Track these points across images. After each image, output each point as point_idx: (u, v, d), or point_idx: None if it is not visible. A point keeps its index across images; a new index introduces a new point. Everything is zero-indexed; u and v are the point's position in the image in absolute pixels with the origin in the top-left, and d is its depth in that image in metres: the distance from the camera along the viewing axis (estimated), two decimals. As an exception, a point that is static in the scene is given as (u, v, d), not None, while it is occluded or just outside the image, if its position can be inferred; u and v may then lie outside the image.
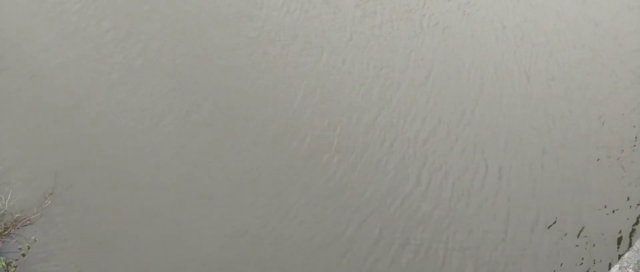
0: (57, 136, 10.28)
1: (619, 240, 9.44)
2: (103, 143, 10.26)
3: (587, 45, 12.80)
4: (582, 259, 9.22)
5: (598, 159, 10.63)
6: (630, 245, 9.19)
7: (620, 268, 7.90)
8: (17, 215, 9.07)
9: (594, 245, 9.40)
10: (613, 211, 9.90)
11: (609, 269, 8.87)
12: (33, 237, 8.81)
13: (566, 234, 9.52)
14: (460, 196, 9.98)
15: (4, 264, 8.28)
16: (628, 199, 10.06)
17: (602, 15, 13.44)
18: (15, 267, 8.41)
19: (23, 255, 8.58)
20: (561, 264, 9.15)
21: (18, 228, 8.93)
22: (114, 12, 12.43)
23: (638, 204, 9.99)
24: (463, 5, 13.59)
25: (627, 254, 8.29)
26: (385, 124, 10.98)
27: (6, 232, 8.83)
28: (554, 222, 9.69)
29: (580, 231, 9.58)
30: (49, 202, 9.33)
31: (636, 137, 11.07)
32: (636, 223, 9.72)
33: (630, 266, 7.94)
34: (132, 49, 11.80)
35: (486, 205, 9.91)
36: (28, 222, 9.06)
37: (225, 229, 9.37)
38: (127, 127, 10.50)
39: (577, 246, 9.39)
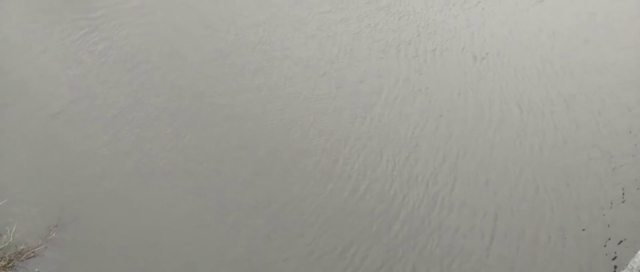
0: (63, 170, 10.87)
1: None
2: (108, 178, 10.79)
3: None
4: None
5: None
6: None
7: None
8: (21, 247, 9.32)
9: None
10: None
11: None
12: (36, 270, 8.96)
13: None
14: (527, 250, 9.95)
15: (5, 296, 8.40)
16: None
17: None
18: (17, 299, 8.56)
19: (25, 287, 8.74)
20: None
21: (22, 260, 9.14)
22: (131, 52, 13.27)
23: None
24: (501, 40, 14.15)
25: (621, 273, 8.10)
26: (447, 171, 11.15)
27: (10, 265, 9.11)
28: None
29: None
30: (54, 234, 9.63)
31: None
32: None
33: (624, 284, 7.78)
34: (137, 84, 12.51)
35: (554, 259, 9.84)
36: (32, 254, 9.29)
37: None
38: (134, 164, 11.01)
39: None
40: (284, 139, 11.55)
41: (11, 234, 9.45)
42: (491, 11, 14.90)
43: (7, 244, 9.38)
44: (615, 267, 9.55)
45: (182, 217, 10.26)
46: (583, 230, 10.17)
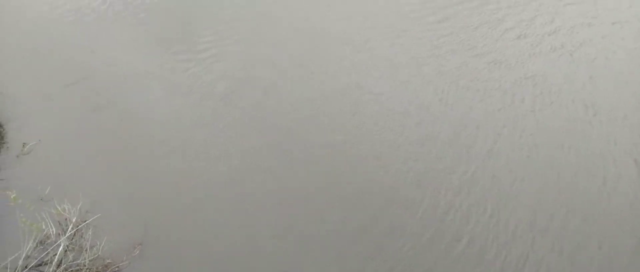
0: (155, 193, 11.69)
1: None
2: (198, 205, 11.45)
3: None
4: None
5: None
6: None
7: None
8: (107, 261, 10.10)
9: None
10: None
11: None
12: (118, 283, 9.68)
13: None
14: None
15: (87, 307, 9.13)
16: None
17: None
18: (98, 311, 9.25)
19: (107, 299, 9.45)
20: None
21: (106, 273, 9.88)
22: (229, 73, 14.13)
23: None
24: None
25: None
26: (555, 232, 10.77)
27: (95, 276, 9.81)
28: None
29: None
30: (138, 251, 10.28)
31: None
32: None
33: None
34: (236, 118, 13.27)
35: None
36: (116, 268, 10.07)
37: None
38: (224, 195, 11.60)
39: None
40: (374, 186, 11.66)
41: (100, 248, 10.32)
42: (602, 63, 14.31)
43: (95, 256, 10.24)
44: None
45: (267, 249, 10.67)
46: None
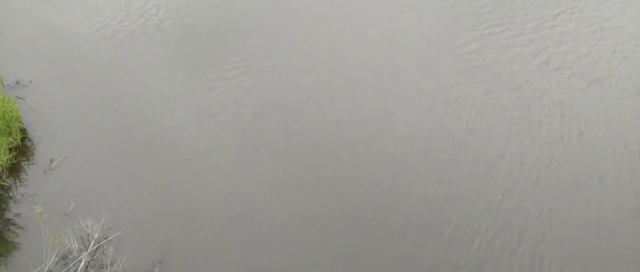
0: (175, 207, 11.74)
1: None
2: (218, 222, 11.48)
3: None
4: None
5: None
6: None
7: None
8: (127, 279, 10.06)
9: None
10: None
11: None
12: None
13: None
14: None
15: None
16: None
17: None
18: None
19: (124, 317, 9.39)
20: None
21: (126, 291, 9.86)
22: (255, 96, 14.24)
23: None
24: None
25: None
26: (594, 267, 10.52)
27: (115, 294, 9.81)
28: None
29: None
30: (157, 270, 10.38)
31: None
32: None
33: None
34: (262, 142, 13.29)
35: None
36: (135, 286, 9.94)
37: None
38: (246, 218, 11.57)
39: None
40: (403, 220, 11.50)
41: (120, 265, 10.32)
42: (637, 96, 14.03)
43: (115, 274, 10.28)
44: None
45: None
46: None
